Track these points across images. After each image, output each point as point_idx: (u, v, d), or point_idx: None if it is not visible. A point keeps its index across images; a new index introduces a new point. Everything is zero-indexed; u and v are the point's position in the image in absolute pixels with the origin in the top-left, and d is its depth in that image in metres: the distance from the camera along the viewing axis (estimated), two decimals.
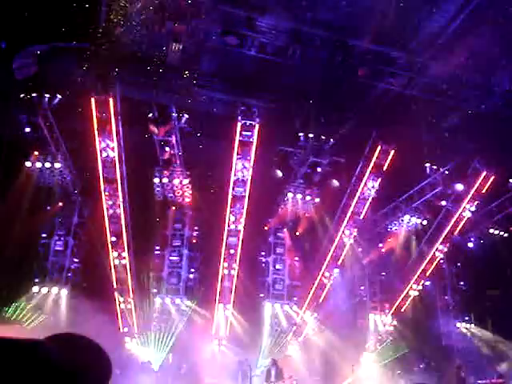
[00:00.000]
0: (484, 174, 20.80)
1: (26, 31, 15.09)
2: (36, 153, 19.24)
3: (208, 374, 18.43)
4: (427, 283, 23.74)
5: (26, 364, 1.05)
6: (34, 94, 17.60)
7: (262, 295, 22.47)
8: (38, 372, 1.04)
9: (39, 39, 15.45)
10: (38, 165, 19.36)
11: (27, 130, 18.22)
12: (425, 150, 20.63)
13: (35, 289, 19.31)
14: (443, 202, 22.07)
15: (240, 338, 20.16)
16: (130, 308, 19.97)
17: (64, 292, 19.77)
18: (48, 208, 20.66)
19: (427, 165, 22.16)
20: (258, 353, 20.60)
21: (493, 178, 20.88)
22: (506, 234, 23.33)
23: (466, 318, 24.07)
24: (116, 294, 19.84)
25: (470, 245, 23.83)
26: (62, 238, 20.59)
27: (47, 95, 17.90)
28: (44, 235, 20.50)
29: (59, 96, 18.07)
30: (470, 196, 21.36)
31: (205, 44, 17.49)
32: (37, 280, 19.63)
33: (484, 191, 21.27)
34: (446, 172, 21.60)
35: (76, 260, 20.64)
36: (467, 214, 21.91)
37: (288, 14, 16.38)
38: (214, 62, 18.51)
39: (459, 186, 21.10)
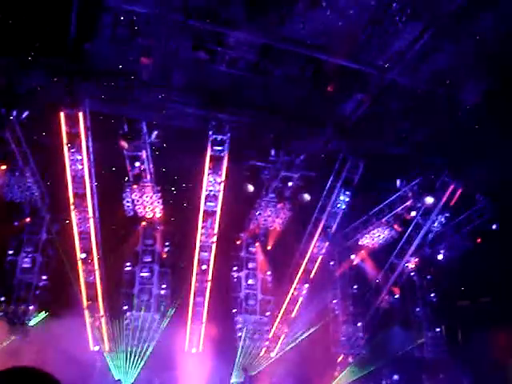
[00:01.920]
0: (452, 186, 21.15)
1: None
2: (3, 167, 18.86)
3: None
4: (398, 296, 23.90)
5: None
6: (1, 108, 17.29)
7: (234, 310, 22.33)
8: None
9: (7, 52, 15.24)
10: (5, 179, 18.97)
11: None
12: (394, 164, 20.94)
13: None
14: (413, 214, 22.32)
15: (213, 353, 19.96)
16: (100, 325, 19.61)
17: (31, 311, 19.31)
18: (15, 224, 20.23)
19: (397, 178, 22.46)
20: (232, 368, 20.44)
21: (460, 190, 21.24)
22: (474, 246, 23.71)
23: (437, 330, 24.30)
24: (86, 311, 19.46)
25: (440, 257, 24.12)
26: (29, 255, 20.12)
27: (15, 109, 17.60)
28: (11, 252, 20.01)
29: (28, 110, 17.80)
30: (438, 209, 21.68)
31: (175, 59, 17.50)
32: (2, 298, 19.12)
33: (452, 203, 21.62)
34: (416, 185, 21.90)
35: (44, 277, 20.18)
36: (436, 227, 22.23)
37: (258, 29, 16.51)
38: (185, 77, 18.48)
39: (429, 199, 21.41)
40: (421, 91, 18.51)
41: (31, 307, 19.29)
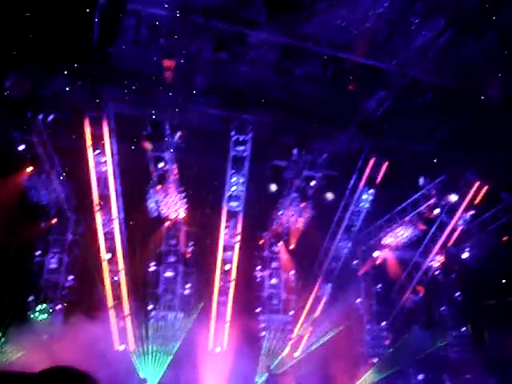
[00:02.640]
0: (477, 184, 20.91)
1: (18, 49, 15.18)
2: (30, 169, 19.22)
3: None
4: (422, 295, 23.69)
5: None
6: (28, 113, 17.62)
7: (258, 310, 22.40)
8: None
9: (32, 57, 15.51)
10: (32, 182, 19.33)
11: (21, 147, 18.24)
12: (418, 162, 20.79)
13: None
14: (437, 212, 22.11)
15: (237, 352, 20.03)
16: (125, 325, 19.82)
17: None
18: (42, 225, 20.58)
19: (421, 176, 22.28)
20: (256, 367, 20.52)
21: (486, 188, 20.99)
22: (500, 244, 23.39)
23: (463, 330, 24.03)
24: (111, 310, 19.70)
25: (465, 255, 23.84)
26: (56, 256, 20.46)
27: (41, 113, 17.92)
28: (38, 253, 20.37)
29: (53, 114, 18.11)
30: (463, 207, 21.45)
31: (197, 60, 17.63)
32: (31, 298, 19.47)
33: (477, 201, 21.37)
34: (440, 183, 21.70)
35: (71, 277, 20.49)
36: (461, 225, 22.00)
37: (279, 29, 16.55)
38: (207, 78, 18.60)
39: (453, 197, 21.20)
40: (444, 88, 18.35)
41: (58, 307, 19.58)
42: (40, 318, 19.26)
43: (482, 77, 17.78)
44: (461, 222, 21.96)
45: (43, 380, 1.15)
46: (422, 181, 22.22)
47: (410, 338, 22.17)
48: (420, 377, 21.85)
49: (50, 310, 19.51)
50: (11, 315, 18.16)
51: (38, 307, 19.31)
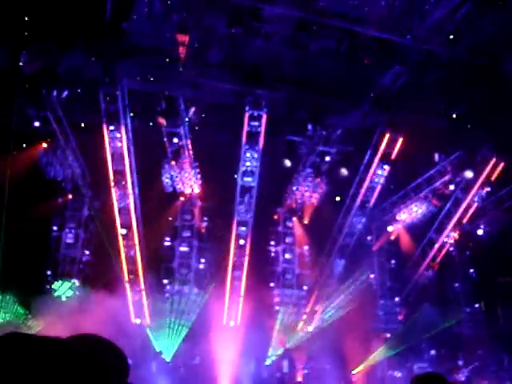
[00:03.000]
0: (493, 160, 20.68)
1: (32, 26, 15.18)
2: (45, 145, 19.37)
3: (221, 363, 18.61)
4: (436, 271, 23.66)
5: (60, 361, 1.12)
6: (42, 89, 17.67)
7: (272, 284, 22.57)
8: (66, 370, 1.10)
9: (46, 33, 15.49)
10: (48, 158, 19.50)
11: (36, 123, 18.37)
12: (433, 138, 20.56)
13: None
14: (452, 188, 21.96)
15: (251, 326, 20.27)
16: (141, 299, 20.14)
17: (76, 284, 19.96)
18: (58, 201, 20.81)
19: (436, 152, 22.08)
20: (269, 342, 20.77)
21: (502, 164, 20.76)
22: None
23: (476, 306, 24.05)
24: (127, 285, 19.99)
25: (480, 232, 23.72)
26: (72, 231, 20.73)
27: (56, 89, 17.96)
28: (55, 228, 20.66)
29: (67, 90, 18.15)
30: (479, 183, 21.27)
31: (211, 35, 17.49)
32: (49, 272, 19.82)
33: (493, 178, 21.17)
34: (455, 160, 21.50)
35: (87, 252, 20.80)
36: (476, 202, 21.83)
37: (294, 2, 16.32)
38: (220, 53, 18.48)
39: (468, 174, 21.01)
40: (461, 62, 18.03)
41: (75, 281, 19.91)
42: (65, 295, 19.60)
43: (500, 51, 17.45)
44: (476, 198, 21.79)
45: (71, 344, 1.19)
46: (437, 157, 22.03)
47: (423, 313, 22.23)
48: (432, 352, 21.99)
49: (73, 287, 19.84)
50: (31, 290, 18.57)
51: (62, 286, 19.62)
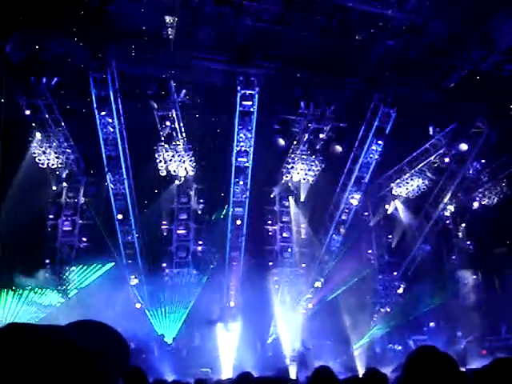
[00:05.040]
0: (487, 133, 20.66)
1: (18, 13, 14.94)
2: (38, 134, 19.24)
3: (222, 344, 18.75)
4: (434, 244, 23.78)
5: (59, 349, 1.10)
6: (31, 77, 17.50)
7: (270, 263, 22.63)
8: (66, 357, 1.09)
9: (31, 21, 15.27)
10: (41, 146, 19.38)
11: (27, 112, 18.22)
12: (427, 111, 20.51)
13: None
14: (447, 161, 21.98)
15: (251, 306, 20.38)
16: (141, 283, 20.19)
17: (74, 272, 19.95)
18: (53, 189, 20.74)
19: (430, 126, 22.05)
20: (270, 320, 20.90)
21: (496, 137, 20.74)
22: (510, 193, 23.32)
23: (474, 277, 24.24)
24: (126, 270, 20.03)
25: (476, 204, 23.84)
26: (69, 218, 20.70)
27: (45, 77, 17.79)
28: (51, 216, 20.61)
29: (56, 76, 17.98)
30: (473, 156, 21.28)
31: (200, 15, 17.27)
32: (47, 261, 19.81)
33: (487, 150, 21.18)
34: (450, 132, 21.48)
35: (84, 239, 20.79)
36: (471, 174, 21.87)
37: None
38: (210, 33, 18.26)
39: (463, 146, 21.01)
40: (453, 35, 17.90)
41: (74, 268, 19.92)
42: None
43: (492, 22, 17.31)
44: (471, 171, 21.82)
45: (71, 331, 1.18)
46: (431, 130, 22.00)
47: (422, 286, 22.40)
48: (431, 325, 22.20)
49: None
50: (28, 278, 18.58)
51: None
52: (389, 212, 24.48)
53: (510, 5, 16.43)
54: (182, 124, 20.33)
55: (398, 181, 23.54)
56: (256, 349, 18.67)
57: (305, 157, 22.05)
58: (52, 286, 19.16)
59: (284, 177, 23.00)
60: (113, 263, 19.79)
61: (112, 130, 19.20)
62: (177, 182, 21.86)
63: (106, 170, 19.63)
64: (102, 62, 17.83)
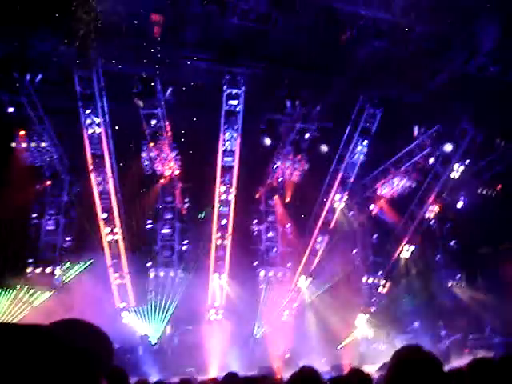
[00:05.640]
0: (471, 134, 20.83)
1: (2, 8, 14.75)
2: (22, 132, 19.03)
3: (208, 343, 18.68)
4: (418, 244, 23.91)
5: (42, 349, 1.08)
6: (14, 73, 17.30)
7: (255, 263, 22.63)
8: (51, 357, 1.07)
9: (16, 17, 15.10)
10: (24, 144, 19.18)
11: (10, 109, 18.01)
12: (412, 112, 20.64)
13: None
14: (431, 161, 22.13)
15: (236, 306, 20.36)
16: (125, 283, 20.05)
17: (58, 271, 19.75)
18: (37, 187, 20.52)
19: (415, 127, 22.20)
20: (254, 320, 20.88)
21: (481, 136, 20.92)
22: (494, 193, 23.55)
23: (457, 277, 24.42)
24: (110, 269, 19.89)
25: (460, 204, 24.02)
26: (52, 217, 20.48)
27: (29, 74, 17.61)
28: (34, 215, 20.38)
29: (41, 74, 17.81)
30: (458, 156, 21.43)
31: (186, 14, 17.22)
32: (30, 260, 19.58)
33: (472, 150, 21.35)
34: (434, 133, 21.63)
35: (68, 238, 20.59)
36: (456, 175, 22.02)
37: None
38: (196, 32, 18.24)
39: (448, 147, 21.17)
40: (438, 36, 18.04)
41: (57, 268, 19.71)
42: None
43: (477, 23, 17.46)
44: (455, 171, 21.98)
45: (55, 330, 1.16)
46: (416, 130, 22.14)
47: (407, 286, 22.52)
48: (416, 324, 22.31)
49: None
50: (12, 278, 18.37)
51: None
52: (374, 212, 24.58)
53: (493, 7, 16.61)
54: (167, 123, 20.25)
55: (383, 181, 23.64)
56: (241, 348, 18.58)
57: (290, 156, 22.07)
58: (35, 286, 18.93)
59: (270, 176, 23.02)
60: (92, 260, 19.53)
61: (97, 128, 19.07)
62: (162, 181, 21.77)
63: (91, 168, 19.49)
64: (87, 60, 17.67)
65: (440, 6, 16.38)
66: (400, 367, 2.27)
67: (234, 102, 19.88)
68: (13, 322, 17.95)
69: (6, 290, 18.17)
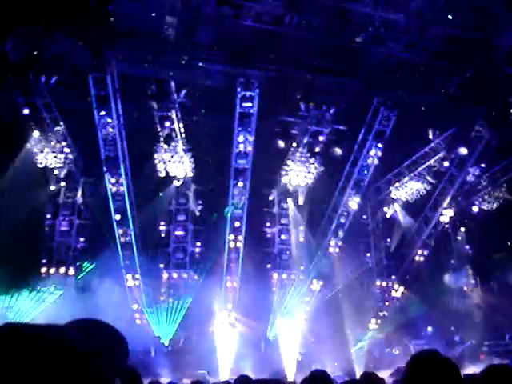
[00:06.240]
0: (487, 137, 20.61)
1: (18, 12, 14.87)
2: (37, 133, 19.15)
3: (220, 346, 18.67)
4: (432, 248, 23.69)
5: (55, 349, 1.06)
6: (30, 75, 17.43)
7: (268, 266, 22.56)
8: (62, 358, 1.04)
9: (32, 19, 15.20)
10: (39, 146, 19.31)
11: (26, 111, 18.14)
12: (427, 115, 20.48)
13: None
14: (446, 165, 21.94)
15: (249, 308, 20.31)
16: (138, 284, 20.08)
17: (72, 272, 19.85)
18: (52, 188, 20.65)
19: (430, 129, 22.03)
20: (267, 322, 20.82)
21: (496, 141, 20.70)
22: (510, 197, 23.29)
23: (472, 282, 24.19)
24: (123, 270, 19.93)
25: (475, 209, 23.80)
26: (66, 218, 20.60)
27: (44, 76, 17.74)
28: (49, 216, 20.51)
29: (56, 75, 17.93)
30: (473, 160, 21.23)
31: (200, 16, 17.24)
32: (44, 261, 19.70)
33: (487, 154, 21.14)
34: (450, 136, 21.46)
35: (82, 239, 20.69)
36: (471, 178, 21.81)
37: None
38: (210, 34, 18.25)
39: (463, 150, 20.96)
40: (455, 38, 17.89)
41: (71, 268, 19.81)
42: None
43: (494, 25, 17.27)
44: (470, 175, 21.77)
45: (70, 330, 1.14)
46: (431, 134, 21.97)
47: (420, 291, 22.32)
48: (429, 329, 22.12)
49: None
50: (26, 278, 18.48)
51: None
52: (388, 215, 24.42)
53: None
54: (181, 125, 20.27)
55: (397, 184, 23.49)
56: (254, 351, 18.56)
57: (304, 159, 21.97)
58: (49, 286, 19.03)
59: (283, 179, 22.95)
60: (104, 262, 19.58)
61: (111, 129, 19.13)
62: (175, 183, 21.79)
63: (105, 170, 19.55)
64: (101, 62, 17.77)
65: (456, 8, 16.24)
66: (418, 372, 2.22)
67: (248, 105, 19.82)
68: (25, 321, 18.05)
69: (20, 290, 18.27)
